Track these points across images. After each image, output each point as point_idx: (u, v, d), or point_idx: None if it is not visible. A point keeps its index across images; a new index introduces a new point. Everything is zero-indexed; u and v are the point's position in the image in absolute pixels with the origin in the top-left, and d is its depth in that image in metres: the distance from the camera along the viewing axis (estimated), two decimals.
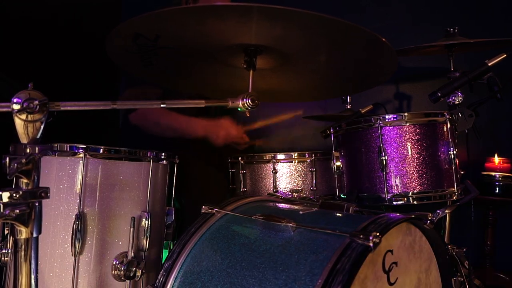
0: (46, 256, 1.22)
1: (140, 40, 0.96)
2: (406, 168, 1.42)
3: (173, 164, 1.49)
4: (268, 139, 2.42)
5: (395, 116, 1.45)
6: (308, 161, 1.77)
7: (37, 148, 0.73)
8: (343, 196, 1.58)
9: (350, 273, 0.77)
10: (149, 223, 1.29)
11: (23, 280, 0.73)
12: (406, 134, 1.43)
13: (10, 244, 1.21)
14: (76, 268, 1.20)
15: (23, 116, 0.73)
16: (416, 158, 1.42)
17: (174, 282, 1.01)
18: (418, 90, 2.57)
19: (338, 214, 1.13)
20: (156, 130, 1.88)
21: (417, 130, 1.43)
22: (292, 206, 1.22)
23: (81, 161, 1.22)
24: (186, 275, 1.01)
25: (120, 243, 1.27)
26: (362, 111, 2.01)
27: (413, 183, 1.41)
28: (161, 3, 2.02)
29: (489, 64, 1.47)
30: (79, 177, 1.22)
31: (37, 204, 0.73)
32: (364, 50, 1.04)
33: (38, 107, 0.73)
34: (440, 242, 1.08)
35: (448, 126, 1.46)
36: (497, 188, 2.18)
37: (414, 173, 1.41)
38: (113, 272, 1.24)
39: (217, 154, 1.99)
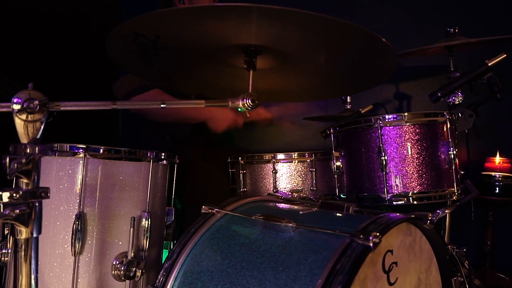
0: (46, 256, 1.22)
1: (140, 40, 0.96)
2: (406, 168, 1.42)
3: (173, 164, 1.49)
4: (269, 137, 2.42)
5: (395, 116, 1.45)
6: (308, 161, 1.77)
7: (37, 148, 0.73)
8: (343, 196, 1.58)
9: (350, 273, 0.77)
10: (149, 223, 1.29)
11: (23, 280, 0.73)
12: (406, 134, 1.43)
13: (10, 244, 1.21)
14: (76, 268, 1.20)
15: (23, 116, 0.73)
16: (416, 158, 1.42)
17: (174, 282, 1.01)
18: (418, 90, 2.57)
19: (338, 214, 1.13)
20: (159, 116, 1.86)
21: (417, 130, 1.43)
22: (292, 206, 1.22)
23: (81, 161, 1.22)
24: (186, 275, 1.01)
25: (120, 243, 1.27)
26: (362, 111, 2.00)
27: (413, 183, 1.41)
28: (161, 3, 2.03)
29: (489, 64, 1.47)
30: (79, 177, 1.22)
31: (37, 204, 0.73)
32: (364, 50, 1.04)
33: (38, 107, 0.73)
34: (440, 242, 1.08)
35: (448, 126, 1.46)
36: (497, 188, 2.18)
37: (414, 173, 1.41)
38: (113, 272, 1.24)
39: (218, 154, 1.99)
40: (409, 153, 1.42)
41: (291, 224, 0.96)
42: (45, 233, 1.14)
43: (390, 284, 0.92)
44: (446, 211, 1.41)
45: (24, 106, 0.72)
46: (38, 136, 0.74)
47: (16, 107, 0.72)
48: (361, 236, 0.81)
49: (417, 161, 1.42)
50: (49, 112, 0.75)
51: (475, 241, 2.29)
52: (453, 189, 1.44)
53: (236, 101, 0.98)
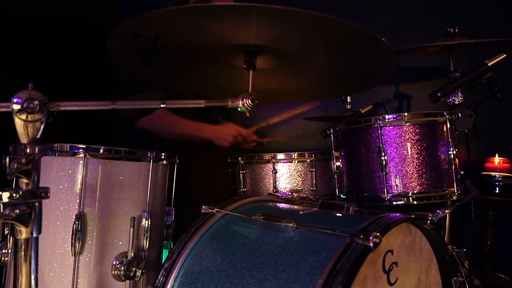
0: (46, 256, 1.22)
1: (140, 40, 0.96)
2: (406, 168, 1.42)
3: (173, 164, 1.49)
4: (271, 137, 2.43)
5: (395, 116, 1.45)
6: (308, 161, 1.77)
7: (37, 148, 0.73)
8: (343, 196, 1.58)
9: (350, 273, 0.77)
10: (149, 223, 1.29)
11: (23, 280, 0.73)
12: (406, 134, 1.43)
13: (10, 244, 1.21)
14: (76, 268, 1.20)
15: (23, 116, 0.73)
16: (416, 158, 1.42)
17: (174, 282, 1.01)
18: (418, 90, 2.57)
19: (338, 214, 1.13)
20: (167, 135, 1.90)
21: (417, 130, 1.43)
22: (292, 206, 1.22)
23: (81, 161, 1.22)
24: (186, 275, 1.01)
25: (120, 243, 1.27)
26: (362, 111, 2.01)
27: (413, 183, 1.41)
28: (161, 3, 2.03)
29: (489, 64, 1.47)
30: (79, 177, 1.22)
31: (37, 204, 0.73)
32: (363, 50, 1.04)
33: (38, 107, 0.73)
34: (440, 242, 1.08)
35: (448, 126, 1.46)
36: (497, 188, 2.18)
37: (414, 173, 1.41)
38: (113, 272, 1.24)
39: (218, 154, 1.99)
40: (409, 153, 1.42)
41: (291, 224, 0.96)
42: (45, 233, 1.14)
43: (390, 284, 0.92)
44: (446, 211, 1.41)
45: (24, 106, 0.72)
46: (38, 136, 0.74)
47: (16, 107, 0.72)
48: (361, 236, 0.81)
49: (417, 161, 1.42)
50: (49, 112, 0.75)
51: (475, 241, 2.29)
52: (453, 189, 1.44)
53: (236, 101, 0.98)
